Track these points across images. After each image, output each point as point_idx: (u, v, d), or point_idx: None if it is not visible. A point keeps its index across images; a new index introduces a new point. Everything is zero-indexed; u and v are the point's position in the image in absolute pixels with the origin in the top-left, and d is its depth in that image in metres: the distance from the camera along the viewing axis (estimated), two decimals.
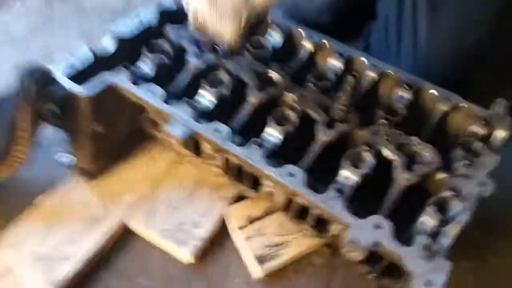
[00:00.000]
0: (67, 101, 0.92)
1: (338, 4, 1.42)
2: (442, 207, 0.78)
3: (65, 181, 1.07)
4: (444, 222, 0.77)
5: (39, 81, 0.89)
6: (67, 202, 1.03)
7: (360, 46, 1.41)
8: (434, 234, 0.76)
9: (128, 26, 1.04)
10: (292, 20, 1.13)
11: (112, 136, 1.05)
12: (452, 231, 0.75)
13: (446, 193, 0.77)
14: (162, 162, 1.12)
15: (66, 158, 1.06)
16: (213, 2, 0.80)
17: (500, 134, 0.86)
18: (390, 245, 0.72)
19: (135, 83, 0.94)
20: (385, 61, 1.11)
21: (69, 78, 0.92)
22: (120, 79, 0.93)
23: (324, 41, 1.03)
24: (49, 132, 1.17)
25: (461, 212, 0.75)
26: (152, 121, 1.04)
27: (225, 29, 0.83)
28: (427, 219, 0.76)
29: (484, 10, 1.09)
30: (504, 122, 0.87)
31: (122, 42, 1.03)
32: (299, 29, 1.06)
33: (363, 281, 0.95)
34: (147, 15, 1.08)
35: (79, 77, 0.94)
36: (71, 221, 0.99)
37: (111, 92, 0.94)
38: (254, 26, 0.85)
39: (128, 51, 1.03)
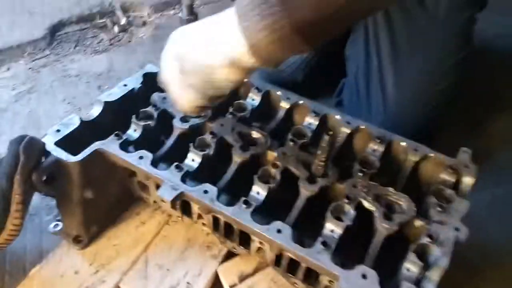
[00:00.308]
0: (57, 169, 0.95)
1: (310, 64, 1.54)
2: (422, 253, 0.82)
3: (56, 249, 1.08)
4: (426, 267, 0.81)
5: (30, 153, 0.92)
6: (59, 272, 1.03)
7: (334, 101, 1.51)
8: (418, 281, 0.80)
9: (115, 93, 1.10)
10: (269, 81, 1.22)
11: (102, 201, 1.07)
12: (434, 276, 0.79)
13: (425, 240, 0.82)
14: (152, 224, 1.14)
15: (56, 225, 1.08)
16: (184, 76, 0.86)
17: (467, 181, 0.93)
18: None
19: (125, 149, 0.99)
20: (358, 115, 1.19)
21: (58, 146, 0.96)
22: (110, 146, 0.97)
23: (300, 101, 1.11)
24: (37, 200, 1.20)
25: (440, 257, 0.79)
26: (141, 184, 1.07)
27: (184, 99, 0.89)
28: (410, 266, 0.80)
29: (444, 63, 1.20)
30: (470, 170, 0.95)
31: (110, 109, 1.08)
32: (277, 92, 1.14)
33: None
34: (132, 81, 1.15)
35: (68, 144, 0.98)
36: None
37: (100, 159, 0.99)
38: (217, 98, 0.90)
39: (115, 117, 1.09)
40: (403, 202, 0.89)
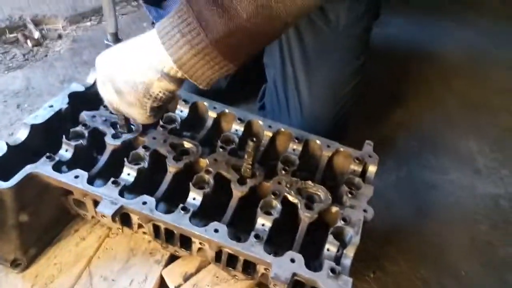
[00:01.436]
0: None
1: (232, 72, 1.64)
2: (339, 234, 0.97)
3: None
4: (344, 246, 0.96)
5: None
6: None
7: (257, 106, 1.63)
8: (338, 258, 0.95)
9: (41, 115, 1.11)
10: (194, 91, 1.29)
11: (38, 222, 1.08)
12: (349, 252, 0.94)
13: (340, 223, 0.97)
14: (92, 239, 1.17)
15: None
16: (120, 96, 0.92)
17: (371, 169, 1.11)
18: (305, 274, 0.88)
19: (58, 170, 1.01)
20: (279, 118, 1.33)
21: None
22: (43, 168, 0.99)
23: (226, 110, 1.21)
24: None
25: (353, 236, 0.95)
26: (77, 201, 1.10)
27: (135, 114, 0.95)
28: (329, 247, 0.95)
29: (348, 68, 1.37)
30: (373, 159, 1.12)
31: (37, 131, 1.08)
32: (204, 102, 1.23)
33: None
34: (58, 101, 1.15)
35: None
36: None
37: (33, 182, 0.99)
38: (161, 107, 0.97)
39: (44, 138, 1.10)
40: (321, 192, 1.04)
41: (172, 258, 1.15)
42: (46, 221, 1.11)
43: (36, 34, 1.99)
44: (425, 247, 1.35)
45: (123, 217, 1.06)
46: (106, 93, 0.95)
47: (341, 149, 1.14)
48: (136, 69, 0.88)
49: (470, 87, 2.13)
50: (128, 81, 0.89)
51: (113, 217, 0.93)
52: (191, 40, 0.78)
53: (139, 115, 0.95)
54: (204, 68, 0.82)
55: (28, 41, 1.95)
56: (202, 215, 1.03)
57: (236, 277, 1.09)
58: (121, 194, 0.98)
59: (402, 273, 1.26)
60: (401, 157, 1.68)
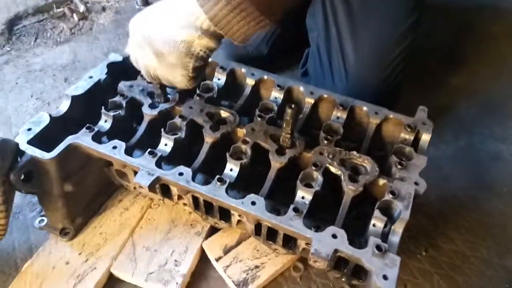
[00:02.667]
0: (33, 167, 0.97)
1: (273, 36, 1.56)
2: (386, 209, 0.89)
3: (45, 243, 1.11)
4: (392, 221, 0.88)
5: (5, 155, 0.93)
6: (51, 264, 1.07)
7: (299, 72, 1.54)
8: (385, 234, 0.88)
9: (82, 86, 1.11)
10: (233, 58, 1.24)
11: (83, 192, 1.11)
12: (398, 229, 0.86)
13: (388, 196, 0.88)
14: (135, 209, 1.18)
15: (41, 221, 1.11)
16: (160, 58, 0.89)
17: (425, 137, 1.00)
18: (347, 250, 0.82)
19: (98, 140, 1.01)
20: (322, 84, 1.23)
21: (32, 144, 0.98)
22: (83, 139, 0.99)
23: (265, 76, 1.15)
24: (19, 198, 1.22)
25: (402, 211, 0.86)
26: (120, 172, 1.10)
27: (176, 77, 0.92)
28: (375, 222, 0.87)
29: (399, 26, 1.24)
30: (427, 127, 1.01)
31: (78, 102, 1.09)
32: (242, 69, 1.17)
33: (338, 285, 1.06)
34: (97, 72, 1.15)
35: (41, 141, 0.99)
36: (59, 282, 1.03)
37: (75, 152, 1.01)
38: (203, 67, 0.93)
39: (85, 109, 1.10)
40: (367, 163, 0.95)
41: (213, 230, 1.14)
42: (91, 191, 1.14)
43: (82, 8, 2.01)
44: (486, 225, 1.22)
45: (163, 188, 1.05)
46: (144, 58, 0.92)
47: (391, 116, 1.04)
48: (175, 28, 0.84)
49: None
50: (168, 41, 0.86)
51: (150, 188, 0.92)
52: None
53: (181, 77, 0.91)
54: (240, 24, 0.80)
55: (74, 15, 1.98)
56: (240, 187, 0.99)
57: (277, 251, 1.06)
58: (158, 164, 0.96)
59: (458, 253, 1.16)
60: (461, 125, 1.52)
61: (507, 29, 1.95)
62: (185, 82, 0.93)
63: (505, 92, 1.66)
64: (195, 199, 1.02)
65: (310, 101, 1.10)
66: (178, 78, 0.92)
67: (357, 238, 0.92)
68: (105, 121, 1.06)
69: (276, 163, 0.97)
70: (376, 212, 0.87)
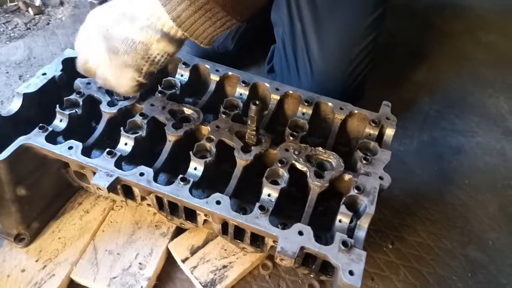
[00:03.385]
0: None
1: (239, 32, 1.53)
2: (352, 204, 0.89)
3: None
4: (357, 216, 0.88)
5: None
6: (5, 272, 1.01)
7: (265, 68, 1.53)
8: (351, 229, 0.87)
9: (34, 84, 1.04)
10: (197, 54, 1.21)
11: (39, 196, 1.05)
12: (363, 224, 0.86)
13: (354, 192, 0.88)
14: (96, 212, 1.13)
15: None
16: (114, 55, 0.83)
17: (389, 132, 1.00)
18: (314, 247, 0.81)
19: (52, 141, 0.95)
20: (288, 80, 1.22)
21: None
22: (35, 139, 0.93)
23: (230, 72, 1.12)
24: None
25: (368, 205, 0.86)
26: (78, 174, 1.05)
27: (124, 79, 0.86)
28: (341, 218, 0.87)
29: (363, 21, 1.24)
30: (391, 121, 1.02)
31: (31, 101, 1.02)
32: (206, 65, 1.13)
33: (307, 281, 1.05)
34: (51, 68, 1.09)
35: None
36: None
37: (28, 154, 0.95)
38: (154, 74, 0.88)
39: (38, 108, 1.04)
40: (332, 159, 0.95)
41: (179, 231, 1.11)
42: (48, 194, 1.08)
43: (38, 2, 1.91)
44: (449, 217, 1.25)
45: (125, 189, 1.01)
46: (94, 52, 0.85)
47: (356, 111, 1.04)
48: (135, 27, 0.80)
49: (500, 41, 1.95)
50: (126, 40, 0.81)
51: (109, 189, 0.87)
52: None
53: (129, 80, 0.85)
54: (205, 25, 0.76)
55: (30, 9, 1.88)
56: (205, 186, 0.97)
57: (245, 249, 1.04)
58: (118, 165, 0.92)
59: (423, 244, 1.18)
60: (424, 120, 1.56)
61: (467, 26, 2.02)
62: (130, 86, 0.87)
63: (465, 87, 1.71)
64: (159, 200, 0.98)
65: (275, 97, 1.08)
66: (125, 80, 0.85)
67: (324, 234, 0.92)
68: (61, 120, 1.00)
69: (242, 160, 0.95)
70: (342, 208, 0.87)
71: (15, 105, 1.02)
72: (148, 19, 0.78)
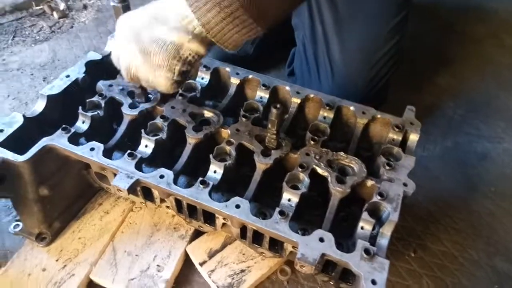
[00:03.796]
0: (6, 169, 0.92)
1: (260, 36, 1.52)
2: (374, 211, 0.87)
3: (20, 249, 1.06)
4: (380, 224, 0.86)
5: None
6: (26, 271, 1.02)
7: (286, 72, 1.52)
8: (374, 237, 0.85)
9: (58, 85, 1.06)
10: (218, 58, 1.20)
11: (61, 196, 1.06)
12: (386, 231, 0.84)
13: (376, 198, 0.86)
14: (116, 213, 1.14)
15: (16, 226, 1.06)
16: (146, 57, 0.84)
17: (413, 137, 0.98)
18: (335, 254, 0.79)
19: (75, 142, 0.96)
20: (309, 84, 1.20)
21: (4, 146, 0.92)
22: (58, 141, 0.95)
23: (250, 76, 1.12)
24: None
25: (391, 213, 0.84)
26: (99, 175, 1.06)
27: (160, 78, 0.87)
28: (363, 224, 0.85)
29: (386, 25, 1.22)
30: (415, 127, 0.99)
31: (54, 102, 1.04)
32: (226, 68, 1.13)
33: None
34: (75, 71, 1.10)
35: (15, 143, 0.94)
36: None
37: (51, 154, 0.96)
38: (188, 72, 0.89)
39: (62, 110, 1.06)
40: (354, 164, 0.93)
41: (197, 234, 1.11)
42: (69, 195, 1.09)
43: (62, 6, 1.95)
44: (475, 226, 1.21)
45: (145, 191, 1.01)
46: (128, 54, 0.87)
47: (378, 116, 1.02)
48: (166, 28, 0.81)
49: None
50: (157, 40, 0.82)
51: (129, 191, 0.88)
52: (220, 2, 0.73)
53: (164, 80, 0.87)
54: (232, 31, 0.77)
55: (54, 13, 1.92)
56: (224, 189, 0.96)
57: (263, 254, 1.03)
58: (138, 167, 0.92)
59: (447, 253, 1.14)
60: (448, 125, 1.52)
61: (491, 30, 1.97)
62: (168, 85, 0.88)
63: (489, 92, 1.66)
64: (178, 202, 0.98)
65: (296, 101, 1.07)
66: (161, 80, 0.87)
67: (345, 240, 0.90)
68: (83, 122, 1.02)
69: (262, 164, 0.94)
70: (364, 215, 0.85)
71: (39, 106, 1.03)
72: (179, 22, 0.80)
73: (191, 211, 1.00)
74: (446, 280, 1.09)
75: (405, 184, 0.89)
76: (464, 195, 1.29)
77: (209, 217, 1.00)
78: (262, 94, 1.09)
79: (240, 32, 0.77)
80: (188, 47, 0.82)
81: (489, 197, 1.29)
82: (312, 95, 1.06)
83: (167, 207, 1.04)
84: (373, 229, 0.85)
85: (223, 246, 1.09)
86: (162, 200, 1.02)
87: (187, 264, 1.08)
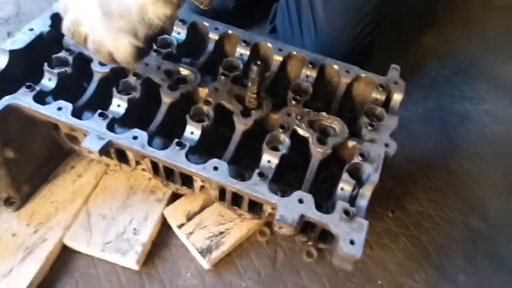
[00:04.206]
0: None
1: None
2: (355, 172, 0.85)
3: None
4: (360, 185, 0.85)
5: None
6: None
7: (267, 28, 1.45)
8: (353, 197, 0.84)
9: (21, 40, 0.98)
10: (196, 12, 1.13)
11: (28, 158, 1.00)
12: (366, 192, 0.83)
13: (357, 159, 0.84)
14: (90, 176, 1.10)
15: None
16: (109, 19, 0.76)
17: (397, 97, 0.95)
18: (314, 215, 0.78)
19: (41, 101, 0.90)
20: (291, 41, 1.15)
21: None
22: (22, 99, 0.88)
23: (230, 31, 1.05)
24: None
25: (371, 173, 0.83)
26: (70, 136, 1.00)
27: (120, 46, 0.79)
28: (343, 185, 0.83)
29: None
30: (399, 86, 0.96)
31: (17, 58, 0.96)
32: (204, 23, 1.06)
33: (304, 249, 1.03)
34: (39, 24, 1.02)
35: None
36: (5, 256, 0.95)
37: (15, 114, 0.90)
38: (154, 38, 0.81)
39: (25, 66, 0.98)
40: (336, 125, 0.90)
41: (175, 196, 1.08)
42: (38, 157, 1.04)
43: None
44: (452, 185, 1.22)
45: (119, 153, 0.97)
46: (87, 14, 0.78)
47: (362, 75, 0.98)
48: None
49: None
50: (121, 2, 0.74)
51: (101, 152, 0.83)
52: None
53: (127, 45, 0.78)
54: None
55: None
56: (202, 151, 0.92)
57: (243, 216, 1.01)
58: (110, 127, 0.87)
59: (424, 213, 1.16)
60: (431, 86, 1.50)
61: None
62: (128, 52, 0.79)
63: (475, 54, 1.64)
64: (154, 164, 0.94)
65: (278, 58, 1.02)
66: (123, 46, 0.79)
67: (325, 202, 0.89)
68: (49, 80, 0.95)
69: (241, 125, 0.90)
70: (345, 175, 0.83)
71: (0, 62, 0.95)
72: None
73: (168, 173, 0.97)
74: (422, 239, 1.11)
75: (386, 145, 0.87)
76: (444, 155, 1.29)
77: (187, 180, 0.97)
78: (243, 51, 1.03)
79: None
80: (153, 9, 0.75)
81: (468, 157, 1.30)
82: (295, 53, 1.01)
83: (143, 169, 1.00)
84: (353, 190, 0.84)
85: (202, 209, 1.07)
86: (137, 163, 0.98)
87: (164, 227, 1.06)
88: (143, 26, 0.77)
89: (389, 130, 0.89)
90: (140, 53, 0.81)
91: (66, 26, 0.82)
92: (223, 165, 0.83)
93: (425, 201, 1.18)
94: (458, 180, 1.24)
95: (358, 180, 0.86)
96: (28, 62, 0.98)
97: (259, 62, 0.82)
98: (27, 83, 0.90)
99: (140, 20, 0.76)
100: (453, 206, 1.18)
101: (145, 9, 0.75)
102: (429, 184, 1.22)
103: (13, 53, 0.96)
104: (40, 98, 0.90)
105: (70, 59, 0.98)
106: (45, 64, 0.95)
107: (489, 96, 1.48)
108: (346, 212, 0.77)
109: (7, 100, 0.88)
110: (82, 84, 1.04)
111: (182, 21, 1.07)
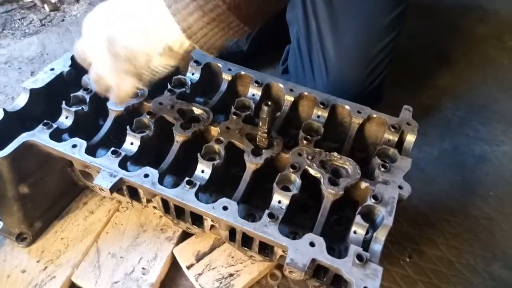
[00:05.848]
0: None
1: (254, 32, 1.48)
2: (368, 214, 0.83)
3: (0, 250, 1.02)
4: (374, 228, 0.82)
5: None
6: (5, 272, 0.98)
7: (280, 69, 1.48)
8: (367, 241, 0.81)
9: (41, 79, 1.01)
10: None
11: (42, 195, 1.02)
12: (380, 236, 0.80)
13: (370, 201, 0.82)
14: (101, 213, 1.10)
15: None
16: (116, 59, 0.78)
17: (410, 138, 0.94)
18: (326, 260, 0.75)
19: (57, 138, 0.92)
20: (303, 82, 1.16)
21: None
22: (39, 136, 0.90)
23: (242, 72, 1.07)
24: None
25: (385, 216, 0.80)
26: (84, 173, 1.02)
27: (123, 85, 0.81)
28: (356, 229, 0.81)
29: (381, 21, 1.17)
30: (412, 127, 0.95)
31: (37, 97, 0.99)
32: (217, 63, 1.09)
33: None
34: (59, 64, 1.06)
35: None
36: None
37: (31, 151, 0.92)
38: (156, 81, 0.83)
39: (45, 105, 1.01)
40: (348, 165, 0.89)
41: (185, 236, 1.07)
42: (52, 193, 1.05)
43: None
44: (472, 231, 1.18)
45: (131, 191, 0.97)
46: (98, 52, 0.79)
47: (374, 116, 0.98)
48: (140, 34, 0.74)
49: None
50: (129, 48, 0.76)
51: (111, 190, 0.84)
52: (203, 6, 0.66)
53: (128, 86, 0.80)
54: (217, 35, 0.71)
55: (46, 5, 1.87)
56: (213, 190, 0.92)
57: (253, 258, 0.98)
58: (123, 165, 0.88)
59: (443, 259, 1.11)
60: (446, 126, 1.48)
61: (492, 31, 1.93)
62: (128, 92, 0.81)
63: (490, 94, 1.63)
64: (164, 203, 0.94)
65: (289, 98, 1.03)
66: (125, 87, 0.81)
67: (337, 245, 0.86)
68: (66, 117, 0.97)
69: (252, 164, 0.90)
70: (358, 218, 0.81)
71: (21, 100, 0.99)
72: (154, 28, 0.73)
73: (179, 212, 0.96)
74: (441, 287, 1.05)
75: (400, 187, 0.85)
76: (461, 198, 1.25)
77: (197, 219, 0.96)
78: (255, 91, 1.05)
79: (226, 35, 0.71)
80: (159, 60, 0.76)
81: (487, 201, 1.25)
82: (306, 93, 1.02)
83: (154, 207, 1.00)
84: (367, 233, 0.82)
85: (212, 249, 1.05)
86: (148, 200, 0.98)
87: (173, 267, 1.04)
88: (148, 72, 0.79)
89: (402, 172, 0.88)
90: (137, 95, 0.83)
91: (77, 49, 0.86)
92: (233, 205, 0.82)
93: (443, 246, 1.14)
94: (477, 225, 1.19)
95: (372, 223, 0.83)
96: (48, 100, 1.01)
97: (269, 102, 0.83)
98: (45, 121, 0.93)
99: (145, 67, 0.78)
100: (474, 252, 1.13)
101: (151, 57, 0.76)
102: (447, 228, 1.18)
103: (33, 92, 0.99)
104: (57, 135, 0.92)
105: (87, 97, 1.01)
106: (63, 102, 0.98)
107: (506, 137, 1.45)
108: (359, 257, 0.75)
109: (25, 137, 0.90)
110: (98, 122, 1.07)
111: (197, 62, 1.10)
